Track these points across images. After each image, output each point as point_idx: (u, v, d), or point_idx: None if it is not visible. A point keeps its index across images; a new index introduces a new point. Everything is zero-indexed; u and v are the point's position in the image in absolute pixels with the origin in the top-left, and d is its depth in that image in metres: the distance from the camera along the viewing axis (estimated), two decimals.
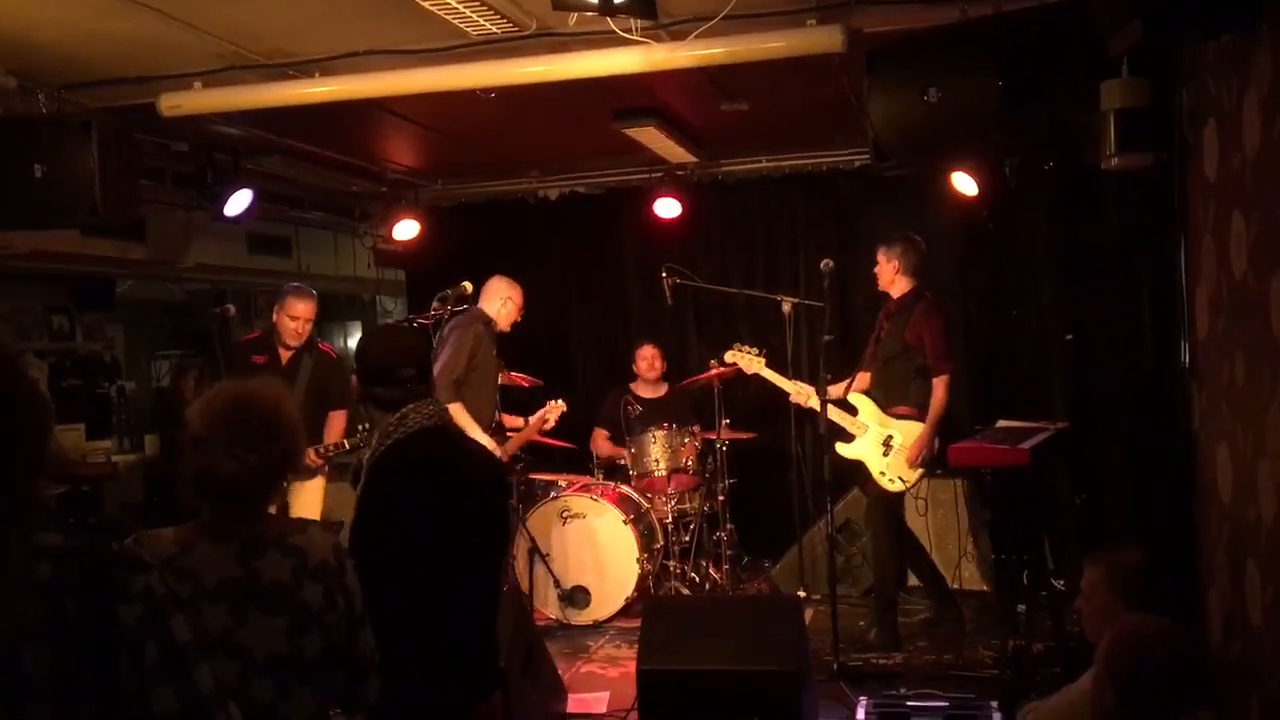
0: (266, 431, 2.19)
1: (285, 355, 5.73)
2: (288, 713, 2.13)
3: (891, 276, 5.70)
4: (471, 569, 2.83)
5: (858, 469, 5.68)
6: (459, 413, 5.36)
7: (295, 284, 5.89)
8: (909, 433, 5.51)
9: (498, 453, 5.61)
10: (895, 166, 4.23)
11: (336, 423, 5.75)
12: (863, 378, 5.81)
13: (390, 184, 7.67)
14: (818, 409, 5.48)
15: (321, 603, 2.18)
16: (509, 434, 5.96)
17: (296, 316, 5.67)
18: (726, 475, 6.37)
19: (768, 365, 5.93)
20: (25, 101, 4.57)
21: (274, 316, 5.79)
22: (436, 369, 5.01)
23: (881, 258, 5.73)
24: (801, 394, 5.78)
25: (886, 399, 5.64)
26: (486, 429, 5.74)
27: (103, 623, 1.59)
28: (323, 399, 5.65)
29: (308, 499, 5.60)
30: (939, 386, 5.52)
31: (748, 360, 5.95)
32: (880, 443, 5.58)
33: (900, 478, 5.52)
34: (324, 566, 2.20)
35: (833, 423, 5.52)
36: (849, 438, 5.65)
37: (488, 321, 5.96)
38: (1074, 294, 6.50)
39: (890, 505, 5.65)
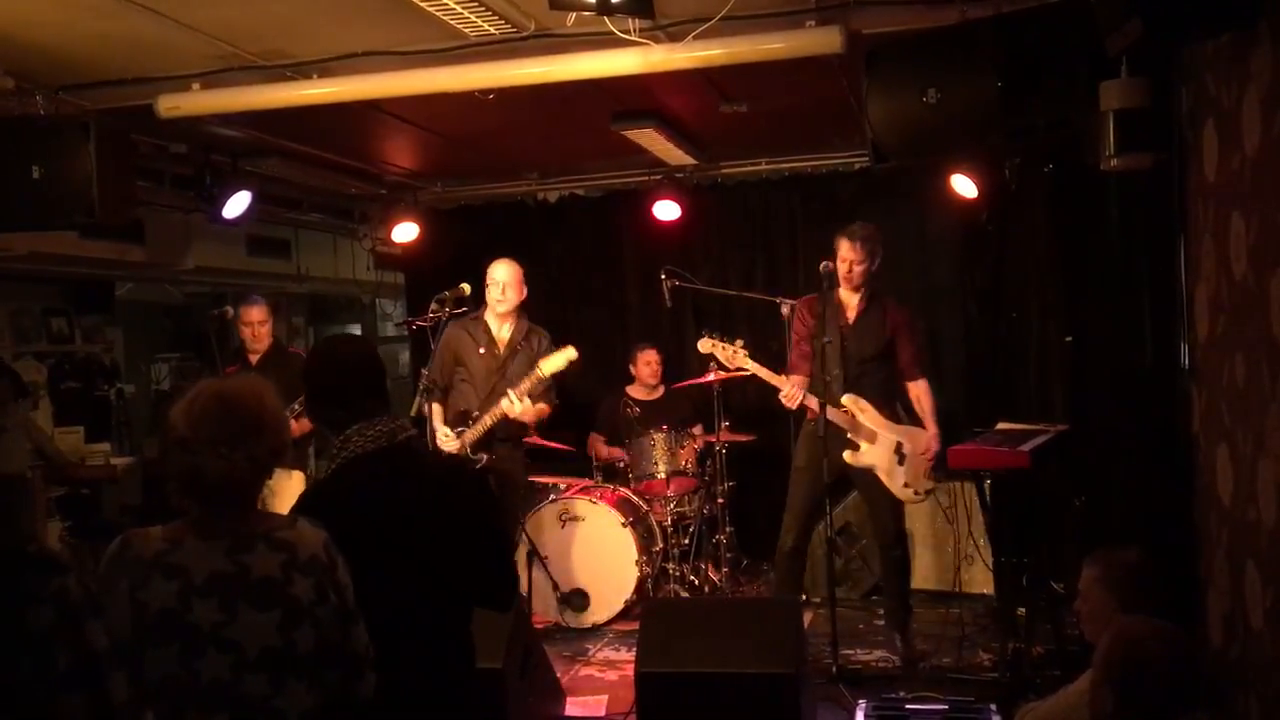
0: (252, 429, 2.18)
1: (254, 360, 6.04)
2: (282, 707, 2.12)
3: (872, 268, 5.28)
4: (417, 595, 2.63)
5: (858, 472, 5.41)
6: (434, 415, 5.36)
7: (247, 296, 6.32)
8: (915, 439, 5.33)
9: (452, 446, 5.41)
10: (894, 168, 4.22)
11: (304, 422, 5.74)
12: (799, 380, 5.37)
13: (389, 186, 7.67)
14: (812, 408, 5.23)
15: (313, 597, 2.17)
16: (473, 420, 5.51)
17: (249, 322, 6.07)
18: (726, 478, 6.35)
19: (751, 358, 5.40)
20: (23, 102, 4.56)
21: (236, 329, 6.14)
22: None
23: (862, 249, 5.21)
24: (792, 394, 5.24)
25: (874, 401, 5.33)
26: (461, 422, 5.52)
27: (9, 626, 1.52)
28: (291, 398, 5.60)
29: (294, 489, 5.58)
30: (928, 389, 5.38)
31: (727, 354, 5.43)
32: (893, 451, 5.31)
33: (922, 488, 5.36)
34: (314, 561, 2.20)
35: (833, 424, 5.23)
36: (854, 445, 5.32)
37: (477, 316, 5.64)
38: (1073, 295, 6.49)
39: (902, 509, 5.56)
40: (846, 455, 5.28)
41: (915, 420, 5.42)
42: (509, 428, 5.55)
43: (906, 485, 5.33)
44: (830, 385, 5.24)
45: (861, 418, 5.32)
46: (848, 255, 5.25)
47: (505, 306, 5.54)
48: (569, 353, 5.29)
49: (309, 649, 2.15)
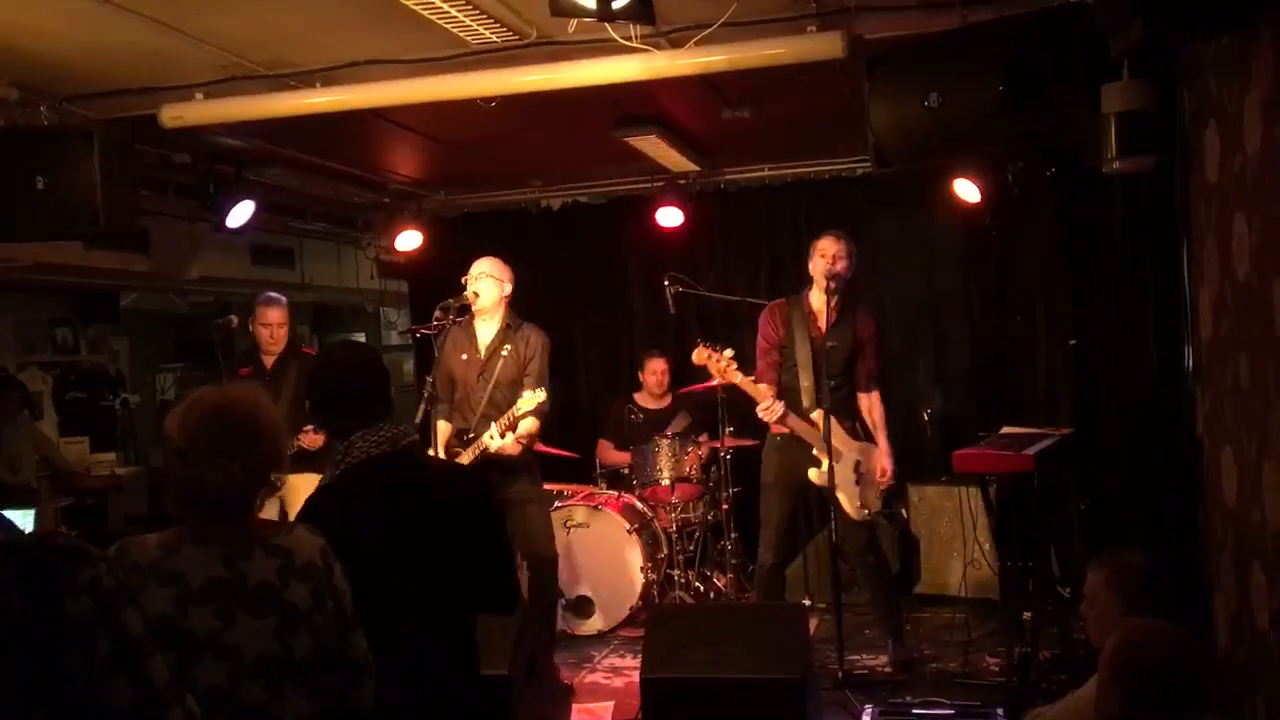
0: (247, 439, 2.17)
1: (269, 361, 5.97)
2: (280, 714, 2.11)
3: (848, 274, 5.18)
4: (423, 600, 2.63)
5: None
6: (439, 433, 5.19)
7: (264, 294, 6.16)
8: (870, 458, 5.27)
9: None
10: (897, 173, 4.21)
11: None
12: (766, 389, 5.24)
13: (392, 195, 7.68)
14: (793, 428, 5.14)
15: (310, 603, 2.16)
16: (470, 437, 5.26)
17: (268, 323, 5.99)
18: (730, 484, 6.34)
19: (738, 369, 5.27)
20: (27, 113, 4.57)
21: (251, 329, 6.05)
22: None
23: (846, 246, 5.18)
24: (773, 408, 5.13)
25: (839, 417, 5.18)
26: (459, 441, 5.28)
27: (49, 618, 1.53)
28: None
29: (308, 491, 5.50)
30: (880, 400, 5.34)
31: (719, 366, 5.25)
32: (853, 469, 5.21)
33: (874, 507, 5.31)
34: (310, 567, 2.19)
35: (803, 439, 5.15)
36: (818, 463, 5.13)
37: (468, 321, 5.36)
38: (1077, 298, 6.50)
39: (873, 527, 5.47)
40: (812, 474, 5.16)
41: (867, 433, 5.37)
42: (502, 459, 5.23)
43: (863, 506, 5.24)
44: (801, 398, 5.17)
45: (829, 434, 5.10)
46: (829, 249, 5.13)
47: (478, 303, 5.31)
48: (539, 395, 5.12)
49: (306, 655, 2.14)
